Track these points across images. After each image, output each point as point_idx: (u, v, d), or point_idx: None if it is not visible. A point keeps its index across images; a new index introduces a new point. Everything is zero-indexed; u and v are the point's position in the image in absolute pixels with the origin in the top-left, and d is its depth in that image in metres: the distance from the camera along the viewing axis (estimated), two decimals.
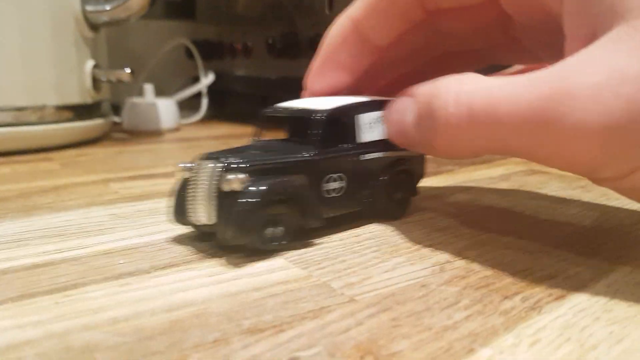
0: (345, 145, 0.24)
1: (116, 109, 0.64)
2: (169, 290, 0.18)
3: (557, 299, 0.17)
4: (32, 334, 0.15)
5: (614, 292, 0.18)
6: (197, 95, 0.74)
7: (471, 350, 0.14)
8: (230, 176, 0.20)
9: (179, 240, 0.23)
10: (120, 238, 0.23)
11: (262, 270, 0.20)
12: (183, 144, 0.55)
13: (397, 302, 0.17)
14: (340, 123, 0.24)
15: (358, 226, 0.25)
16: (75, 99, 0.49)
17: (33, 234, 0.24)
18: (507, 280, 0.19)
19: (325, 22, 0.57)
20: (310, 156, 0.22)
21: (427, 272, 0.19)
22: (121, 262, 0.21)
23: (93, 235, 0.24)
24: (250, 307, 0.17)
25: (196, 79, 0.76)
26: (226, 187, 0.20)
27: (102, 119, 0.54)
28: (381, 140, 0.25)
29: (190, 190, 0.21)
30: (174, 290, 0.18)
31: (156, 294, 0.18)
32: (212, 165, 0.21)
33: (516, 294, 0.17)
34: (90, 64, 0.51)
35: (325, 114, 0.23)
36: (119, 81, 0.52)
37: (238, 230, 0.20)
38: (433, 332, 0.15)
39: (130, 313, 0.16)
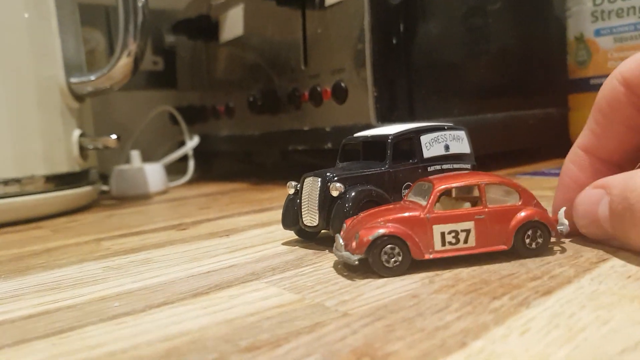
0: (411, 160, 0.29)
1: (104, 179, 0.64)
2: (164, 323, 0.18)
3: (543, 294, 0.18)
4: None
5: (598, 284, 0.18)
6: (184, 158, 0.76)
7: (464, 344, 0.14)
8: (333, 184, 0.26)
9: (173, 282, 0.23)
10: (115, 286, 0.24)
11: (256, 299, 0.20)
12: (173, 203, 0.55)
13: (390, 311, 0.17)
14: (406, 143, 0.29)
15: None
16: (63, 167, 0.50)
17: (28, 290, 0.24)
18: (495, 284, 0.19)
19: (301, 77, 0.60)
20: (384, 169, 0.28)
21: (417, 285, 0.20)
22: (116, 305, 0.21)
23: (88, 285, 0.24)
24: (246, 329, 0.17)
25: (182, 143, 0.77)
26: (334, 193, 0.26)
27: (91, 187, 0.55)
28: (441, 155, 0.30)
29: (304, 199, 0.28)
30: (170, 323, 0.18)
31: (152, 328, 0.18)
32: (320, 178, 0.27)
33: (504, 294, 0.18)
34: (76, 133, 0.52)
35: (392, 137, 0.28)
36: (106, 147, 0.53)
37: (339, 225, 0.25)
38: (426, 333, 0.15)
39: (127, 346, 0.16)
